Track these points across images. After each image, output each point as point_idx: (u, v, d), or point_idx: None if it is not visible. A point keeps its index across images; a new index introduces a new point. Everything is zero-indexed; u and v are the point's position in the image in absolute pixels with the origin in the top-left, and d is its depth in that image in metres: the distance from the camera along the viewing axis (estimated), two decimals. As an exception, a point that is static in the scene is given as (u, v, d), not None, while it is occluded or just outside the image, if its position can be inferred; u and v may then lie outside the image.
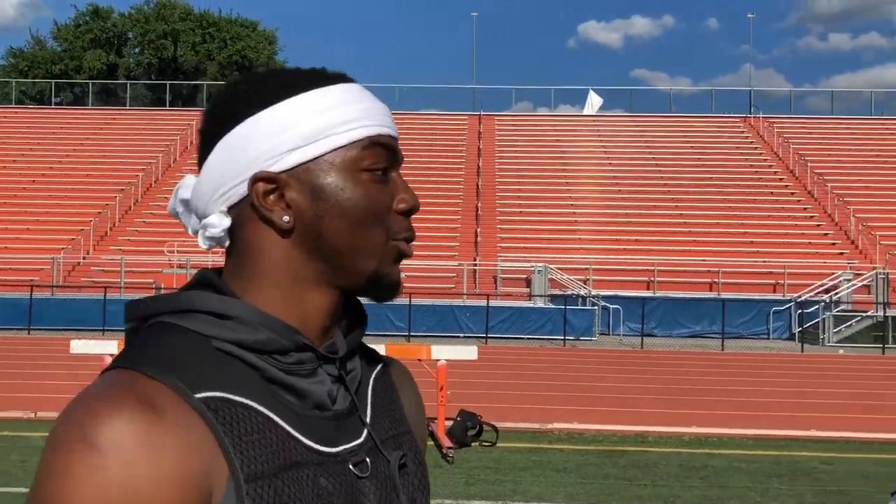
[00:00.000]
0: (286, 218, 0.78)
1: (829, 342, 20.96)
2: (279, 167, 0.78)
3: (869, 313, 21.44)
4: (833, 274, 23.15)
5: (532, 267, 24.02)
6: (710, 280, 23.69)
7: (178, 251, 24.17)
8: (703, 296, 22.90)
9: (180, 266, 23.74)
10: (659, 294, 23.12)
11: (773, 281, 23.61)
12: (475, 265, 24.92)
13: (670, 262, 24.69)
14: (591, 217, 28.31)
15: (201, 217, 0.82)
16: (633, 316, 21.30)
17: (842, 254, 25.64)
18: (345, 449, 0.78)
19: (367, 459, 0.79)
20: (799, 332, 21.40)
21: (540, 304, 21.93)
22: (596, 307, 21.80)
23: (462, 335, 20.97)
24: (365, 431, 0.81)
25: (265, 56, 51.45)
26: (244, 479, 0.70)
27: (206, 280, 0.81)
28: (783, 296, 22.79)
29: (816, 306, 21.71)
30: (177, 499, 0.67)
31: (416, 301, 21.43)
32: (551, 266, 24.07)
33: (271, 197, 0.78)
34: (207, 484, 0.69)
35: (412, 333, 20.45)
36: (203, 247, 0.83)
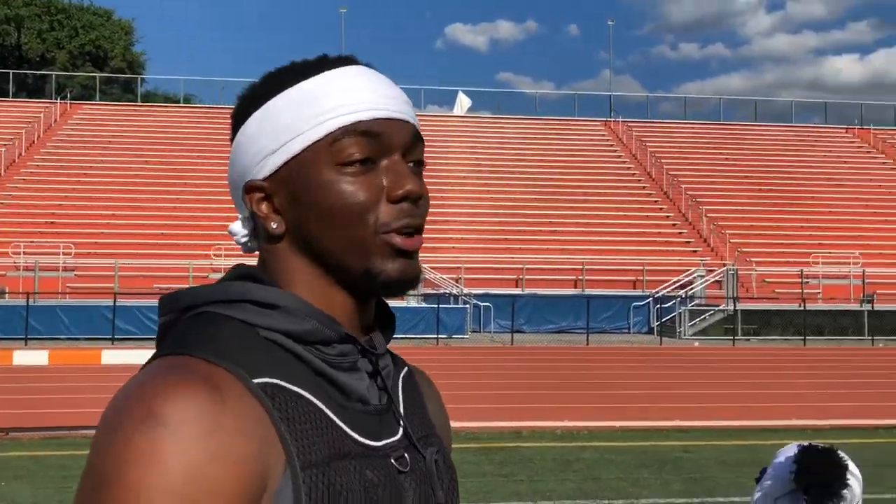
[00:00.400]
0: (274, 224, 0.79)
1: (684, 335, 22.14)
2: (264, 174, 0.79)
3: (720, 307, 22.81)
4: (688, 271, 24.45)
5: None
6: (575, 277, 24.47)
7: (23, 252, 22.51)
8: (568, 293, 23.63)
9: (27, 268, 22.13)
10: (527, 291, 23.67)
11: (633, 277, 24.68)
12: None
13: (537, 260, 25.34)
14: (462, 217, 28.62)
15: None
16: (503, 313, 21.70)
17: (695, 251, 27.15)
18: (386, 444, 0.79)
19: (406, 455, 0.80)
20: (657, 325, 22.48)
21: (413, 303, 21.94)
22: (468, 305, 22.06)
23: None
24: (401, 428, 0.82)
25: (120, 47, 49.00)
26: (300, 467, 0.71)
27: (245, 272, 0.81)
28: (643, 291, 23.86)
29: (673, 301, 22.88)
30: (238, 479, 0.67)
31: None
32: (423, 265, 24.09)
33: (264, 205, 0.80)
34: (265, 467, 0.69)
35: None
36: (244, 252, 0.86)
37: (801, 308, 22.29)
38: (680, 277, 24.04)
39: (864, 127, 39.89)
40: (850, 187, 32.89)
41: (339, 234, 0.78)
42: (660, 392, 11.59)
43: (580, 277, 24.18)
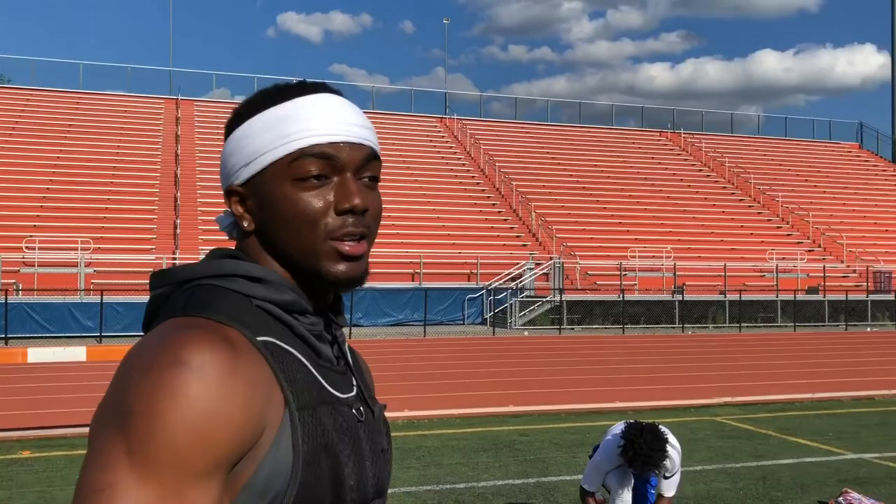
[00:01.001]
0: (245, 223, 0.96)
1: (515, 325, 23.08)
2: (238, 181, 0.95)
3: (548, 298, 23.97)
4: (518, 264, 25.49)
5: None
6: (412, 271, 24.82)
7: None
8: (406, 286, 23.94)
9: None
10: (365, 285, 23.71)
11: (467, 271, 25.39)
12: (174, 258, 23.59)
13: (375, 254, 25.43)
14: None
15: None
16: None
17: (525, 246, 28.34)
18: (348, 397, 0.96)
19: (361, 408, 0.97)
20: (490, 316, 23.29)
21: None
22: (304, 299, 21.81)
23: (162, 333, 19.77)
24: (356, 386, 1.00)
25: None
26: (296, 408, 0.86)
27: (229, 253, 0.96)
28: (476, 284, 24.61)
29: (505, 293, 23.78)
30: (246, 416, 0.80)
31: (111, 299, 19.78)
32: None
33: (239, 206, 0.96)
34: (267, 413, 0.83)
35: (104, 334, 18.84)
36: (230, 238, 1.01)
37: (620, 299, 23.87)
38: (511, 270, 25.01)
39: (676, 131, 43.22)
40: (664, 187, 35.52)
41: (293, 237, 0.93)
42: (495, 380, 12.06)
43: (417, 271, 24.56)
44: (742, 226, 32.87)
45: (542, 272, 25.38)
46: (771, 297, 26.44)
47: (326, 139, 0.92)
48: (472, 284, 24.71)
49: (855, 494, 5.66)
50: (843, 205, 36.84)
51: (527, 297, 24.13)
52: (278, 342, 0.88)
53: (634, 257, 26.73)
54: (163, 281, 0.94)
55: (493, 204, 31.67)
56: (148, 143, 31.68)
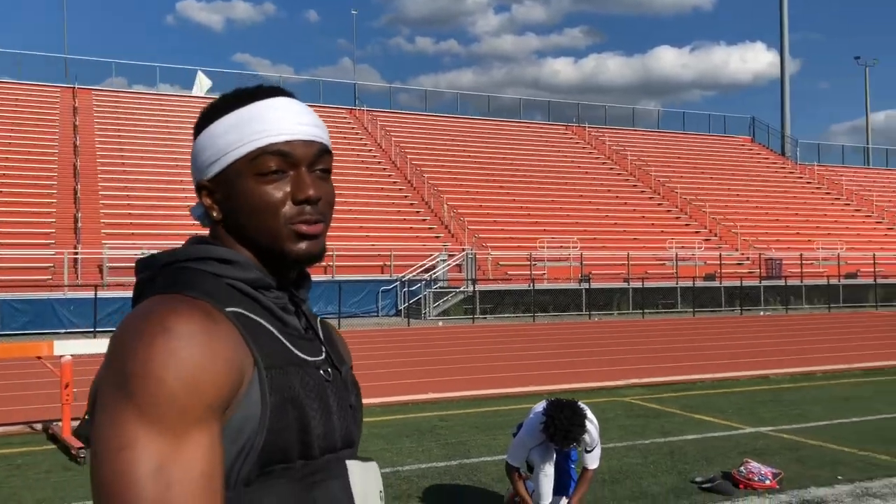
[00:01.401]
0: (215, 213, 1.10)
1: (429, 316, 23.32)
2: (207, 176, 1.09)
3: (461, 289, 24.32)
4: (431, 255, 25.75)
5: (143, 254, 22.66)
6: (325, 263, 24.70)
7: None
8: (319, 278, 23.82)
9: None
10: (277, 278, 23.50)
11: (381, 263, 25.47)
12: (76, 253, 22.73)
13: (287, 246, 25.19)
14: (206, 202, 27.58)
15: None
16: (253, 301, 21.37)
17: (438, 237, 28.61)
18: (315, 359, 1.09)
19: (328, 369, 1.11)
20: (404, 308, 23.45)
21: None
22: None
23: (64, 331, 19.07)
24: (324, 350, 1.13)
25: None
26: (264, 368, 0.99)
27: (203, 239, 1.10)
28: (390, 276, 24.73)
29: (419, 284, 23.99)
30: (228, 373, 0.94)
31: (8, 296, 18.93)
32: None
33: (208, 198, 1.10)
34: (243, 368, 0.97)
35: (2, 332, 18.03)
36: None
37: (530, 288, 24.46)
38: (424, 262, 25.23)
39: (581, 125, 44.37)
40: (570, 180, 36.47)
41: (258, 224, 1.07)
42: (413, 369, 12.24)
43: (331, 263, 24.47)
44: (643, 216, 34.12)
45: (454, 263, 25.71)
46: (671, 284, 27.60)
47: (282, 138, 1.06)
48: (385, 276, 24.82)
49: (755, 464, 6.10)
50: (737, 196, 38.72)
51: (440, 288, 24.41)
52: (246, 312, 1.03)
53: (543, 248, 27.39)
54: (147, 265, 1.08)
55: (406, 196, 31.81)
56: (44, 134, 30.31)
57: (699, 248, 30.69)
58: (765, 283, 28.73)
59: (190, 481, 0.87)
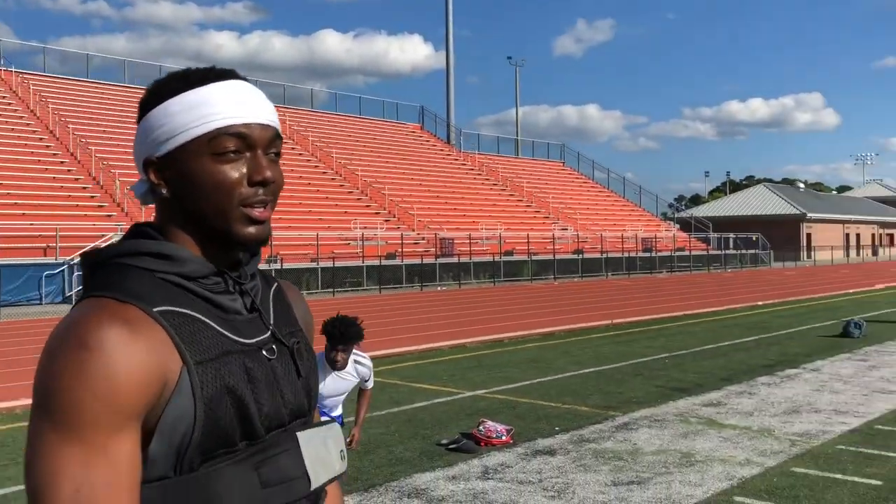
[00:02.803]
0: (163, 191, 1.10)
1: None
2: (158, 153, 1.09)
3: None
4: (105, 236, 23.60)
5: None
6: (-28, 245, 21.43)
7: None
8: (-34, 263, 20.62)
9: None
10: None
11: (44, 244, 22.75)
12: None
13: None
14: None
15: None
16: None
17: (110, 216, 26.28)
18: (257, 340, 1.11)
19: (274, 346, 1.13)
20: (75, 294, 21.26)
21: None
22: None
23: None
24: (269, 328, 1.14)
25: None
26: (193, 364, 1.01)
27: (141, 231, 1.10)
28: (56, 259, 22.22)
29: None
30: (145, 381, 0.97)
31: None
32: None
33: (156, 175, 1.10)
34: (165, 371, 0.99)
35: None
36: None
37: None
38: (97, 243, 23.06)
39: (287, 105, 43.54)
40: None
41: (208, 204, 1.07)
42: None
43: (-20, 245, 21.29)
44: (327, 197, 34.69)
45: (132, 244, 23.84)
46: (358, 263, 28.50)
47: (241, 120, 1.07)
48: (50, 259, 22.24)
49: (490, 423, 6.66)
50: (412, 179, 41.06)
51: (117, 271, 22.49)
52: (177, 309, 1.03)
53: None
54: (87, 261, 1.08)
55: (70, 171, 28.72)
56: None
57: (381, 228, 32.04)
58: (440, 260, 30.93)
59: (99, 485, 0.93)
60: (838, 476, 5.57)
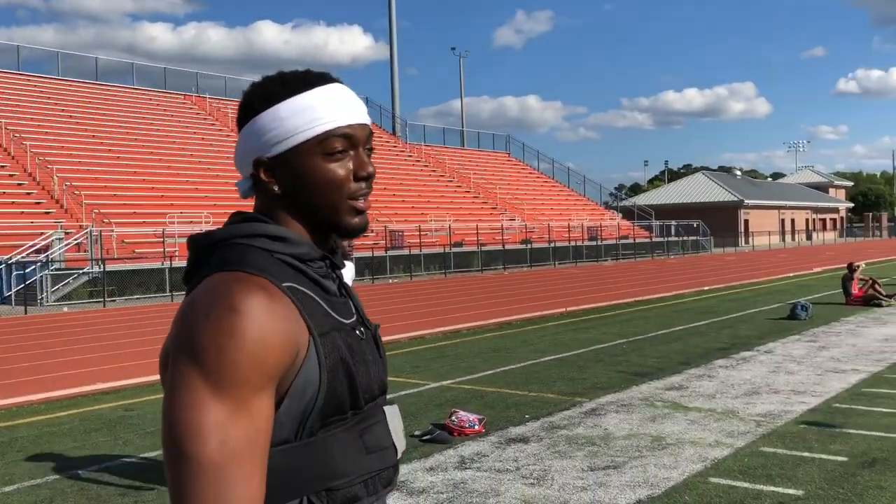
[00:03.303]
0: (276, 188, 1.19)
1: (48, 301, 20.74)
2: (270, 154, 1.18)
3: (84, 270, 22.00)
4: (44, 234, 22.83)
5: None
6: None
7: None
8: None
9: None
10: None
11: (-21, 243, 21.89)
12: None
13: None
14: None
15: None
16: None
17: (48, 213, 25.45)
18: (351, 321, 1.21)
19: (362, 329, 1.24)
20: (14, 294, 20.55)
21: None
22: None
23: None
24: (356, 311, 1.26)
25: None
26: (318, 335, 1.11)
27: (250, 216, 1.19)
28: (-8, 258, 21.41)
29: (32, 267, 21.15)
30: (284, 347, 1.05)
31: None
32: None
33: (266, 173, 1.19)
34: (298, 340, 1.08)
35: None
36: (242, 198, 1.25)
37: (166, 266, 23.08)
38: (36, 241, 22.31)
39: (201, 95, 42.71)
40: (196, 152, 34.99)
41: (321, 198, 1.18)
42: (44, 362, 10.85)
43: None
44: (273, 191, 34.12)
45: (73, 242, 23.15)
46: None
47: (345, 122, 1.18)
48: (-14, 258, 21.41)
49: (462, 413, 6.65)
50: (358, 172, 40.68)
51: (59, 269, 21.82)
52: (298, 286, 1.12)
53: (174, 223, 25.99)
54: (202, 242, 1.17)
55: (3, 167, 27.68)
56: None
57: (328, 221, 31.67)
58: (390, 253, 30.80)
59: (241, 440, 1.00)
60: (805, 454, 5.73)
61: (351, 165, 1.19)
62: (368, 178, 1.21)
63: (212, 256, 1.13)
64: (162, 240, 24.60)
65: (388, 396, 1.29)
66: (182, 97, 42.16)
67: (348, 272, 4.91)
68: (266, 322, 1.03)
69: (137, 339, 13.15)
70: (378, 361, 1.25)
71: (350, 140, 1.19)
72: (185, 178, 31.83)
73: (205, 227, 26.35)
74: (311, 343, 1.09)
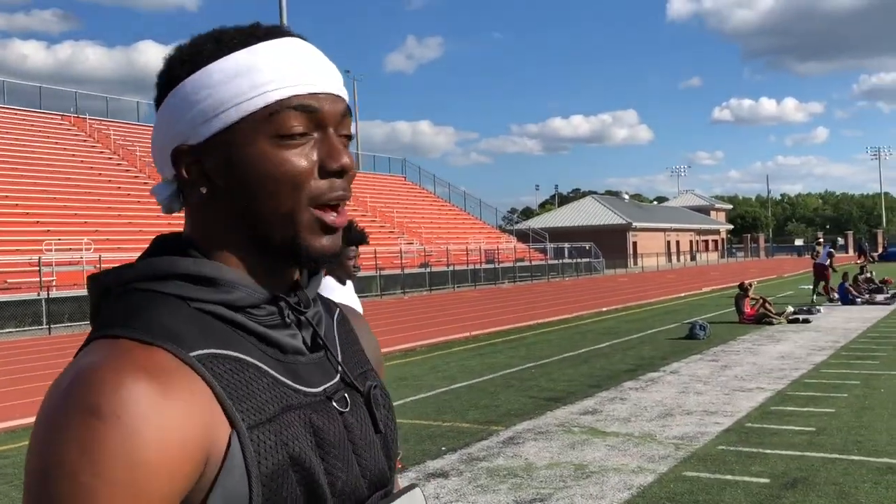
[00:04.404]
0: (203, 189, 0.80)
1: None
2: (196, 139, 0.80)
3: (-51, 302, 20.19)
4: None
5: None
6: None
7: None
8: None
9: None
10: None
11: None
12: None
13: None
14: None
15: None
16: None
17: None
18: (326, 388, 0.84)
19: (346, 395, 0.85)
20: None
21: None
22: None
23: None
24: (339, 370, 0.87)
25: None
26: (248, 428, 0.73)
27: (169, 245, 0.82)
28: None
29: None
30: (181, 459, 0.69)
31: None
32: None
33: (193, 169, 0.80)
34: (208, 442, 0.72)
35: None
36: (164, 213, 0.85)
37: (42, 296, 21.54)
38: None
39: (81, 116, 40.62)
40: (74, 176, 33.11)
41: (269, 204, 0.79)
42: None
43: None
44: (160, 216, 32.72)
45: (-64, 272, 21.26)
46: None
47: (308, 90, 0.80)
48: None
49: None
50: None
51: (-81, 302, 19.94)
52: (222, 351, 0.76)
53: (51, 251, 24.36)
54: (94, 287, 0.81)
55: None
56: None
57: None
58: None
59: None
60: (729, 477, 5.65)
61: (316, 155, 0.81)
62: (342, 174, 0.82)
63: (103, 309, 0.78)
64: (38, 268, 22.98)
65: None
66: (59, 117, 39.96)
67: (347, 295, 4.10)
68: (147, 427, 0.68)
69: (9, 377, 12.03)
70: (372, 442, 0.86)
71: (314, 116, 0.80)
72: (64, 202, 30.02)
73: (85, 255, 24.87)
74: (233, 442, 0.73)
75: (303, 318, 0.85)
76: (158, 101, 0.83)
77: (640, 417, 7.75)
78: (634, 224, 67.24)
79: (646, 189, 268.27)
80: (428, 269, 36.44)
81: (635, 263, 62.48)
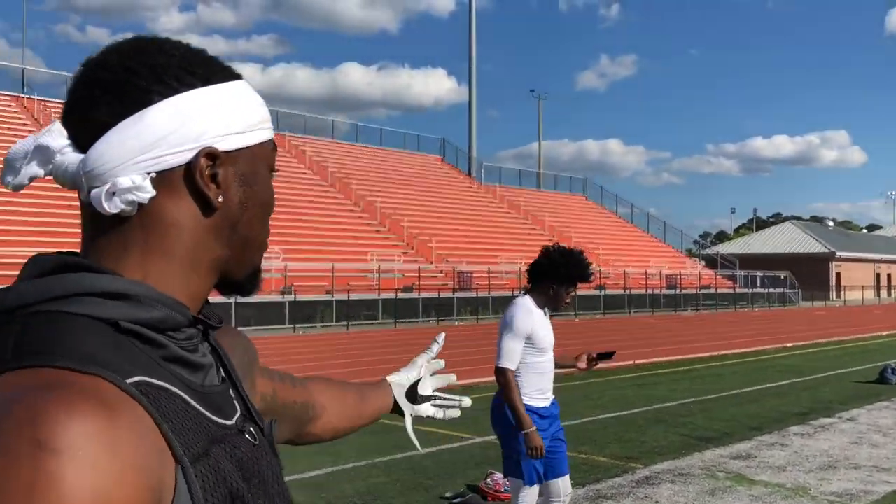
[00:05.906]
0: (220, 198, 0.76)
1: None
2: (224, 146, 0.76)
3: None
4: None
5: None
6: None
7: None
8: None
9: None
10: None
11: None
12: None
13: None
14: None
15: (96, 178, 0.72)
16: None
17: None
18: (236, 420, 0.78)
19: (252, 428, 0.81)
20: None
21: None
22: None
23: None
24: (241, 402, 0.82)
25: None
26: (190, 462, 0.68)
27: (70, 263, 0.72)
28: None
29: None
30: (140, 492, 0.62)
31: None
32: None
33: (209, 173, 0.76)
34: (159, 474, 0.65)
35: None
36: (108, 210, 0.72)
37: (231, 301, 23.26)
38: None
39: (280, 133, 43.72)
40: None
41: (262, 226, 0.81)
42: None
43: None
44: (345, 229, 34.42)
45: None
46: (374, 296, 28.07)
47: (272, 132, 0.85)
48: None
49: (498, 475, 6.11)
50: (431, 211, 40.78)
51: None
52: (154, 381, 0.69)
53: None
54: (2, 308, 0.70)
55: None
56: None
57: (398, 260, 31.64)
58: (458, 294, 30.43)
59: None
60: (886, 547, 4.96)
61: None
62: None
63: (9, 337, 0.67)
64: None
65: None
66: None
67: (544, 320, 4.13)
68: (106, 464, 0.60)
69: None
70: (278, 476, 0.81)
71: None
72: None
73: (274, 264, 26.61)
74: (179, 478, 0.67)
75: (211, 339, 0.82)
76: (143, 85, 0.74)
77: (797, 467, 7.04)
78: (839, 253, 62.06)
79: (857, 216, 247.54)
80: (602, 293, 35.61)
81: (838, 296, 57.57)
